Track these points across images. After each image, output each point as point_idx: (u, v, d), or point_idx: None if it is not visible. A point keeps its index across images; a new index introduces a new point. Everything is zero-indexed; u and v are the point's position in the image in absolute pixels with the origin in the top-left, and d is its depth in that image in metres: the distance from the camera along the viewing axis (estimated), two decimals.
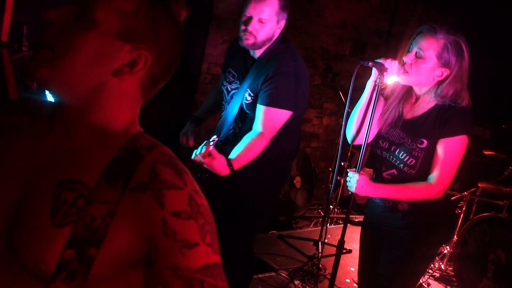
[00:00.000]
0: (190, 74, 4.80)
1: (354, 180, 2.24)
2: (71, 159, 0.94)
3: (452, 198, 4.03)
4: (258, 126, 2.52)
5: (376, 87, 2.26)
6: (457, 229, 4.22)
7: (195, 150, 2.34)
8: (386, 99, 2.39)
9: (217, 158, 2.32)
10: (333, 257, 3.95)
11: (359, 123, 2.38)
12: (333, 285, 2.51)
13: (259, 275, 3.80)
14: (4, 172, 0.97)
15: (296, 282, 3.78)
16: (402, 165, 2.29)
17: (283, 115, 2.52)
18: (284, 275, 3.88)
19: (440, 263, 4.33)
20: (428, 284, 4.11)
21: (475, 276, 3.97)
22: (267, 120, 2.50)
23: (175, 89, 4.76)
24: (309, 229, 4.94)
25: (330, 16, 5.38)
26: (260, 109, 2.52)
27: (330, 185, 5.11)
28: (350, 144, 2.56)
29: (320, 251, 4.14)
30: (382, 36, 5.79)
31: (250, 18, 2.50)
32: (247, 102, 2.61)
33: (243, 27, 2.53)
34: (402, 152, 2.29)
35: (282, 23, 2.58)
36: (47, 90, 0.95)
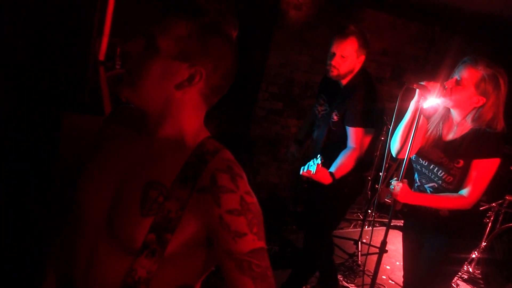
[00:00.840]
0: (250, 91, 4.85)
1: (398, 189, 2.22)
2: (154, 162, 1.04)
3: (481, 208, 3.89)
4: (350, 143, 2.69)
5: (419, 107, 2.22)
6: (485, 237, 4.06)
7: (303, 167, 2.56)
8: (427, 118, 2.34)
9: (321, 172, 2.51)
10: (370, 255, 3.92)
11: (403, 139, 2.35)
12: (376, 279, 2.47)
13: None
14: (106, 172, 1.08)
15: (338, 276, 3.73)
16: (440, 181, 2.27)
17: (369, 132, 2.69)
18: None
19: (469, 267, 4.18)
20: (457, 285, 3.97)
21: (501, 280, 3.81)
22: (357, 138, 2.67)
23: (237, 104, 4.82)
24: (349, 229, 4.87)
25: (373, 44, 5.30)
26: (350, 130, 2.68)
27: (369, 192, 5.03)
28: (389, 157, 2.54)
29: (359, 249, 4.08)
30: (419, 62, 5.67)
31: (334, 54, 2.66)
32: (333, 120, 2.76)
33: (328, 62, 2.69)
34: (440, 170, 2.26)
35: (362, 58, 2.71)
36: (132, 104, 1.05)
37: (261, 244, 0.99)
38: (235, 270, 0.97)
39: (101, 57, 2.85)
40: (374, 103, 2.71)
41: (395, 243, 4.41)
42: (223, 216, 0.96)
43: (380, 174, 4.73)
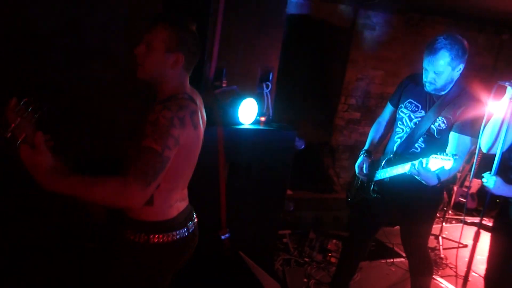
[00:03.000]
0: (330, 104, 4.77)
1: (492, 181, 2.01)
2: (155, 102, 1.50)
3: None
4: (453, 150, 2.27)
5: (510, 103, 2.01)
6: None
7: (412, 162, 2.21)
8: None
9: (426, 173, 2.16)
10: (450, 249, 3.65)
11: (494, 135, 2.12)
12: (469, 272, 2.24)
13: (393, 260, 3.60)
14: (143, 119, 1.53)
15: None
16: None
17: (473, 143, 2.28)
18: None
19: None
20: None
21: None
22: (461, 146, 2.27)
23: (319, 115, 4.75)
24: None
25: None
26: (456, 137, 2.29)
27: (445, 192, 4.70)
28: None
29: (441, 244, 3.81)
30: (488, 71, 5.26)
31: (426, 70, 2.29)
32: (440, 128, 2.33)
33: (424, 78, 2.33)
34: None
35: (461, 67, 2.28)
36: (147, 81, 1.50)
37: (155, 146, 1.33)
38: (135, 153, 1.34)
39: (211, 77, 2.92)
40: (483, 111, 2.26)
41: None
42: (146, 124, 1.37)
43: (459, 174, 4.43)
